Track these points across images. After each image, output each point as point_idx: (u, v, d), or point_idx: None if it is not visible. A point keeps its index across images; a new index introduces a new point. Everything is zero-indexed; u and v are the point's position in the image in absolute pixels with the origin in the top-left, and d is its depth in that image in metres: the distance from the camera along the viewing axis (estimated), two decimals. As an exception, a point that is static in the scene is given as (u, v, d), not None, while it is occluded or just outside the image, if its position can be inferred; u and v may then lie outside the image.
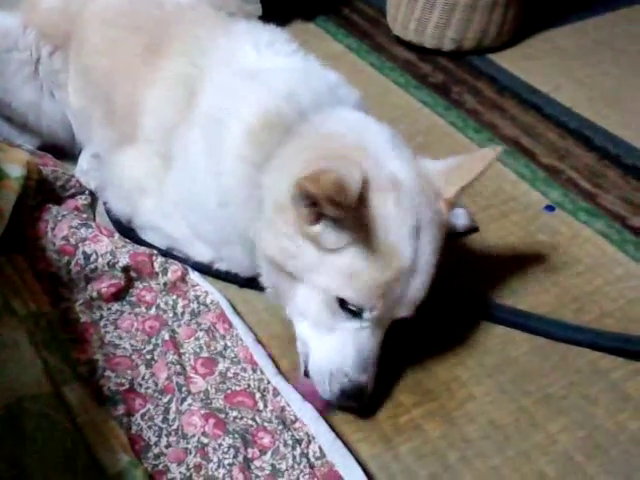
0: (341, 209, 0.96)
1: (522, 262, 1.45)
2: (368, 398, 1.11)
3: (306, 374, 1.13)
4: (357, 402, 1.11)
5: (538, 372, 1.22)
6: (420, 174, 1.10)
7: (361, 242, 1.01)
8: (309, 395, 1.12)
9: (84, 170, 1.58)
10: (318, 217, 1.01)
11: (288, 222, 1.05)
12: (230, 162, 1.18)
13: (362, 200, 0.98)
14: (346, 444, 1.05)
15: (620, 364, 1.24)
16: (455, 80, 2.11)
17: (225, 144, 1.19)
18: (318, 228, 1.02)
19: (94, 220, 1.43)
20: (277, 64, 1.27)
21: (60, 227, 1.32)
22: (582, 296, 1.37)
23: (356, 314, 1.06)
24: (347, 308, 1.05)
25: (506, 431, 1.12)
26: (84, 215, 1.41)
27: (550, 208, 1.60)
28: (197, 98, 1.28)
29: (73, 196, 1.48)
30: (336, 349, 1.08)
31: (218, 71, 1.28)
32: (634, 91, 2.04)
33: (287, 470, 1.02)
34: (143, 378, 1.15)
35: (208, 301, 1.28)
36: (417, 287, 1.06)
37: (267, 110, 1.16)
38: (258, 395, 1.13)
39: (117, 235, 1.35)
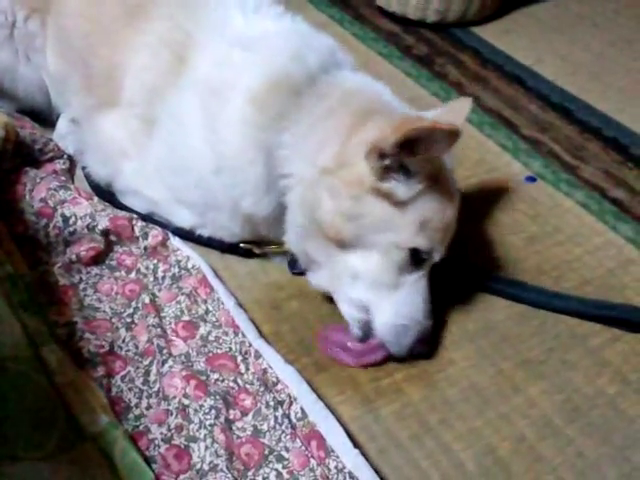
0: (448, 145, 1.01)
1: (503, 231, 1.45)
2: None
3: (365, 337, 1.13)
4: (428, 345, 1.17)
5: (518, 337, 1.23)
6: None
7: (429, 188, 1.06)
8: (367, 353, 1.14)
9: (62, 134, 1.55)
10: (387, 172, 1.03)
11: (350, 182, 1.05)
12: (232, 128, 1.17)
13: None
14: (328, 406, 1.05)
15: (598, 330, 1.25)
16: (438, 52, 2.11)
17: (225, 113, 1.17)
18: (391, 182, 1.04)
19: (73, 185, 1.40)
20: (267, 28, 1.25)
21: (38, 189, 1.30)
22: (562, 264, 1.38)
23: (421, 263, 1.10)
24: (416, 258, 1.09)
25: (486, 394, 1.13)
26: (62, 178, 1.38)
27: (531, 179, 1.61)
28: (189, 65, 1.26)
29: (51, 160, 1.45)
30: (405, 303, 1.11)
31: (211, 40, 1.25)
32: (615, 65, 2.06)
33: (269, 431, 1.02)
34: (123, 341, 1.14)
35: (189, 266, 1.26)
36: (455, 224, 1.14)
37: (271, 74, 1.16)
38: (240, 358, 1.12)
39: (96, 198, 1.33)
